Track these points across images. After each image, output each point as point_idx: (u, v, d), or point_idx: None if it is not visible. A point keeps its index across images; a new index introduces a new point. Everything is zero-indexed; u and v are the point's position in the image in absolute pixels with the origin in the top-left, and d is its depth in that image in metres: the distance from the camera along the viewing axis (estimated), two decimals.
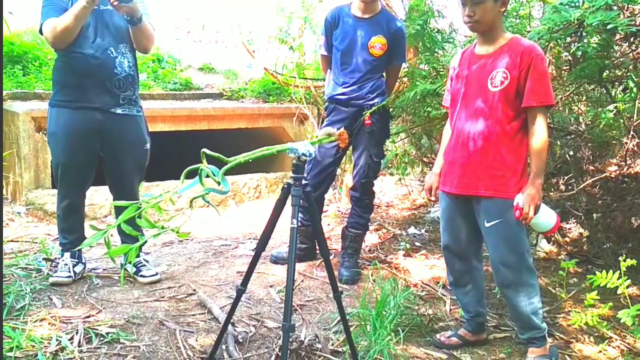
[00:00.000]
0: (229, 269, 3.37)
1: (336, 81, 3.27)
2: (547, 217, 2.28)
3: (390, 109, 3.40)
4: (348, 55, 3.20)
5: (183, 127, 5.11)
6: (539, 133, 2.18)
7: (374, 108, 3.18)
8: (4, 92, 4.79)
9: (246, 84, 6.22)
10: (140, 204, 1.87)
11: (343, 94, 3.23)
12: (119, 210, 2.50)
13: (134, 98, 2.95)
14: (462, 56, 2.43)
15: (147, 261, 3.17)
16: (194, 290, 2.98)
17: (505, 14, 2.37)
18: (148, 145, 3.05)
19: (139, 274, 3.05)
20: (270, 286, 3.12)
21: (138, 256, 3.10)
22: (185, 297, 2.91)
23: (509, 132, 2.23)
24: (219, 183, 1.88)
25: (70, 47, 2.74)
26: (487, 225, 2.29)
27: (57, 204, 2.99)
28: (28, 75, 5.30)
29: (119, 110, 2.87)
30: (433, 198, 2.60)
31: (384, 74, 3.32)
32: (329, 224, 4.41)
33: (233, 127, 5.50)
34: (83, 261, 3.08)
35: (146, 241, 2.86)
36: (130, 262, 2.99)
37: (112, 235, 3.43)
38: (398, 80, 3.66)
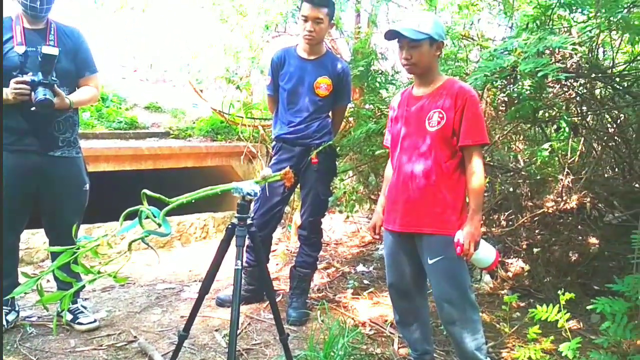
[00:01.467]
0: (172, 313, 3.26)
1: (283, 120, 3.29)
2: (486, 253, 2.32)
3: (337, 148, 3.44)
4: (294, 95, 3.23)
5: (127, 167, 4.99)
6: (476, 171, 2.25)
7: (320, 147, 3.21)
8: None
9: (194, 122, 6.18)
10: (76, 249, 1.79)
11: (290, 133, 3.25)
12: (55, 255, 2.39)
13: (73, 140, 2.89)
14: (401, 97, 2.50)
15: (85, 307, 3.03)
16: (135, 337, 2.86)
17: (440, 57, 2.46)
18: (87, 187, 2.97)
19: (76, 322, 2.91)
20: (216, 330, 3.03)
21: (75, 302, 2.97)
22: (125, 344, 2.78)
23: (447, 170, 2.29)
24: (159, 225, 1.84)
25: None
26: (429, 262, 2.31)
27: None
28: None
29: (57, 153, 2.80)
30: (377, 236, 2.61)
31: (330, 113, 3.37)
32: (277, 264, 4.36)
33: (180, 166, 5.42)
34: (16, 309, 2.93)
35: (84, 286, 2.76)
36: (64, 310, 2.84)
37: (48, 280, 3.30)
38: (344, 119, 3.73)
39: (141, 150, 5.09)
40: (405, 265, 2.45)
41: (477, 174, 2.25)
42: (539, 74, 2.43)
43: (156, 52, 7.64)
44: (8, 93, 2.60)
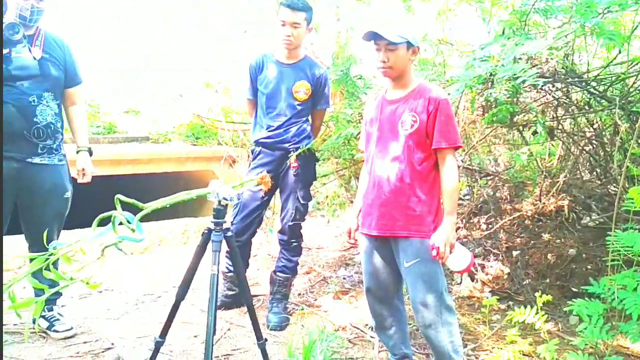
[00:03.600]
0: (151, 319, 3.22)
1: (262, 125, 3.29)
2: (461, 255, 2.33)
3: (317, 152, 3.44)
4: (273, 99, 3.22)
5: (106, 172, 4.93)
6: (450, 173, 2.27)
7: (299, 150, 3.20)
8: None
9: (173, 127, 6.13)
10: (49, 255, 1.76)
11: (269, 137, 3.24)
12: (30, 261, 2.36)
13: (55, 147, 2.86)
14: (374, 101, 2.51)
15: (61, 315, 2.98)
16: (112, 344, 2.82)
17: (415, 62, 2.49)
18: (69, 194, 2.94)
19: (52, 329, 2.87)
20: (195, 336, 3.00)
21: (51, 310, 2.93)
22: (102, 351, 2.75)
23: (422, 173, 2.31)
24: (133, 230, 1.81)
25: None
26: (405, 265, 2.32)
27: None
28: None
29: (36, 160, 2.77)
30: (352, 240, 2.61)
31: (309, 118, 3.37)
32: (258, 269, 4.33)
33: (160, 170, 5.37)
34: None
35: (58, 293, 2.72)
36: (37, 317, 2.79)
37: (24, 287, 3.24)
38: (324, 124, 3.73)
39: (120, 155, 5.04)
40: (382, 269, 2.46)
41: (451, 177, 2.27)
42: (517, 81, 2.46)
43: (135, 57, 7.58)
44: None
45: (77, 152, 3.04)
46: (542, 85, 3.19)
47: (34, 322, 2.88)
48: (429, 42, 3.51)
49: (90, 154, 3.06)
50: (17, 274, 4.05)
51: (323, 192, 5.22)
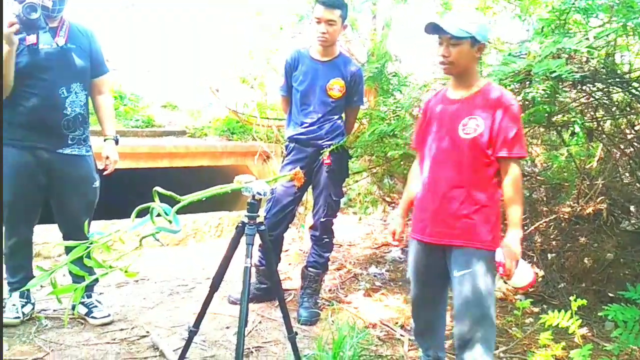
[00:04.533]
0: (184, 309, 3.29)
1: (296, 121, 3.31)
2: (524, 272, 2.15)
3: (350, 149, 3.45)
4: (307, 96, 3.25)
5: (143, 165, 5.05)
6: (514, 184, 2.11)
7: (332, 147, 3.22)
8: None
9: (209, 122, 6.23)
10: (89, 244, 1.83)
11: (302, 134, 3.27)
12: (69, 250, 2.43)
13: (84, 137, 2.92)
14: (435, 98, 2.34)
15: (99, 302, 3.07)
16: (147, 332, 2.90)
17: (480, 60, 2.33)
18: (97, 184, 3.00)
19: (90, 315, 2.96)
20: (227, 327, 3.05)
21: (90, 297, 3.02)
22: (138, 339, 2.82)
23: (481, 180, 2.15)
24: (170, 222, 1.86)
25: (20, 85, 2.69)
26: (456, 274, 2.17)
27: (4, 242, 2.90)
28: None
29: (66, 151, 2.83)
30: (396, 243, 2.46)
31: (343, 115, 3.38)
32: (290, 264, 4.38)
33: (195, 164, 5.47)
34: (32, 301, 2.98)
35: (97, 280, 2.80)
36: (77, 302, 2.87)
37: (64, 275, 3.36)
38: (357, 121, 3.73)
39: (157, 148, 5.15)
40: (431, 276, 2.31)
41: (515, 187, 2.10)
42: (553, 75, 2.40)
43: (173, 52, 7.73)
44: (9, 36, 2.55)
45: (105, 140, 3.03)
46: (582, 85, 3.12)
47: (73, 308, 2.96)
48: None
49: (117, 143, 3.06)
50: (57, 261, 4.19)
51: (355, 189, 5.22)
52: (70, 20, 2.88)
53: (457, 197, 2.16)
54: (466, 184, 2.15)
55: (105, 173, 2.98)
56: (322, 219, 3.32)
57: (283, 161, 3.47)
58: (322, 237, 3.36)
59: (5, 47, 2.54)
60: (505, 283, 2.30)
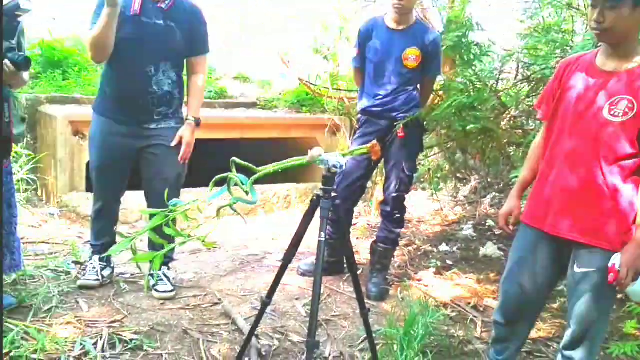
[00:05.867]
0: (255, 279, 3.34)
1: (369, 93, 3.22)
2: None
3: (425, 122, 3.33)
4: (381, 67, 3.15)
5: (216, 135, 5.13)
6: None
7: (407, 119, 3.12)
8: (43, 95, 4.91)
9: (280, 94, 6.23)
10: (169, 212, 1.85)
11: (376, 106, 3.18)
12: (150, 217, 2.48)
13: (172, 112, 2.89)
14: (576, 62, 2.00)
15: (166, 276, 3.02)
16: (219, 299, 2.96)
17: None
18: None
19: (155, 287, 2.95)
20: (296, 299, 3.07)
21: (164, 266, 2.99)
22: (210, 306, 2.89)
23: (623, 172, 1.85)
24: (247, 193, 1.85)
25: (111, 60, 2.74)
26: (577, 270, 1.92)
27: (92, 206, 3.02)
28: (67, 80, 5.42)
29: (152, 125, 2.84)
30: (511, 228, 2.16)
31: (419, 86, 3.26)
32: (357, 238, 4.34)
33: (266, 136, 5.51)
34: (112, 265, 3.09)
35: (174, 249, 2.84)
36: (156, 269, 2.91)
37: (141, 240, 3.48)
38: (433, 93, 3.60)
39: (229, 120, 5.22)
40: (539, 270, 2.04)
41: None
42: None
43: (247, 23, 7.76)
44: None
45: (185, 119, 2.95)
46: None
47: (152, 276, 2.99)
48: (553, 6, 3.23)
49: (197, 125, 2.96)
50: (135, 227, 4.35)
51: (425, 165, 5.08)
52: None
53: (592, 189, 1.88)
54: (607, 175, 1.86)
55: (179, 157, 2.88)
56: (393, 194, 3.24)
57: (354, 134, 3.41)
58: (394, 213, 3.29)
59: (107, 9, 2.53)
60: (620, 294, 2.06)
